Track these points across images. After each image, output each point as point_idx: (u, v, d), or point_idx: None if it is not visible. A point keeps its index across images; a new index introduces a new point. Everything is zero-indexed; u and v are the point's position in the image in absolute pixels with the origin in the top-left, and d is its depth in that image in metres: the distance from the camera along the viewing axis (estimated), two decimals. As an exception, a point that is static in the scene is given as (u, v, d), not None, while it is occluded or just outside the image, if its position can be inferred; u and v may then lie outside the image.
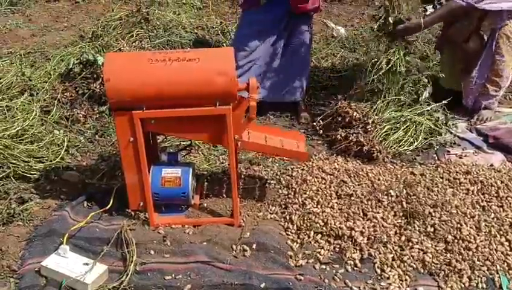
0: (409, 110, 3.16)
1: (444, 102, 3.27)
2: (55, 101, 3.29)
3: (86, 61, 3.50)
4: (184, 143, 3.06)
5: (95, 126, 3.30)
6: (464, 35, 3.32)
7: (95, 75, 3.45)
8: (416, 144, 3.05)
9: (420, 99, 3.19)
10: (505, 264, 2.24)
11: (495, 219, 2.46)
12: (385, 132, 3.08)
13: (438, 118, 3.23)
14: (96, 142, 3.19)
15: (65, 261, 2.20)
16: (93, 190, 2.69)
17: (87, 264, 2.18)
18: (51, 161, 2.89)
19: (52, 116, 3.22)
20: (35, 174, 2.81)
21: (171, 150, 2.90)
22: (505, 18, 3.18)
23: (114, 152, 3.06)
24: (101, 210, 2.47)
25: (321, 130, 3.26)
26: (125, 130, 2.26)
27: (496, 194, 2.62)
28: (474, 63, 3.31)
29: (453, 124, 3.31)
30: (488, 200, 2.59)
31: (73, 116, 3.29)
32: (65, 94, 3.37)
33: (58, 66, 3.65)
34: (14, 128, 2.91)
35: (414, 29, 3.21)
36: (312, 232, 2.40)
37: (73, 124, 3.26)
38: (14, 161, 2.78)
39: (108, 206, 2.45)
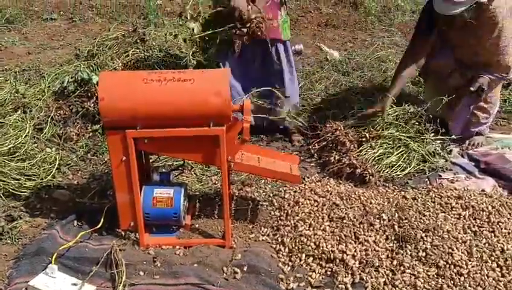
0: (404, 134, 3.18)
1: (442, 137, 3.26)
2: (49, 119, 3.28)
3: (81, 79, 3.50)
4: (177, 163, 3.05)
5: (87, 144, 3.29)
6: (445, 71, 3.33)
7: (89, 94, 3.45)
8: (408, 169, 3.06)
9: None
10: (497, 290, 2.23)
11: (486, 244, 2.46)
12: (378, 155, 3.09)
13: (436, 148, 3.23)
14: (89, 161, 3.18)
15: (53, 281, 2.16)
16: (84, 209, 2.66)
17: (75, 284, 2.15)
18: (42, 179, 2.87)
19: (45, 133, 3.22)
20: (25, 192, 2.78)
21: (164, 170, 2.89)
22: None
23: (106, 171, 3.04)
24: (91, 230, 2.45)
25: (315, 154, 3.27)
26: (118, 149, 2.26)
27: (487, 220, 2.62)
28: (458, 99, 3.27)
29: (447, 151, 3.31)
30: (480, 225, 2.59)
31: (66, 134, 3.28)
32: (58, 112, 3.37)
33: (52, 84, 3.65)
34: (6, 146, 2.89)
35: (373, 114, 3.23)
36: (304, 255, 2.38)
37: (65, 142, 3.25)
38: (4, 179, 2.76)
39: (99, 225, 2.42)
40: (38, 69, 4.07)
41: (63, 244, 2.35)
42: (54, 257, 2.25)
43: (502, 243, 2.46)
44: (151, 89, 2.18)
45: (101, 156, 3.21)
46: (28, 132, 3.08)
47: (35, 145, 3.08)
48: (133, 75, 2.35)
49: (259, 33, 2.96)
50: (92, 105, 3.39)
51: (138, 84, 2.20)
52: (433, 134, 3.24)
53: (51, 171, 2.92)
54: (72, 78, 3.54)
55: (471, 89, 3.11)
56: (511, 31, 2.97)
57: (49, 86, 3.62)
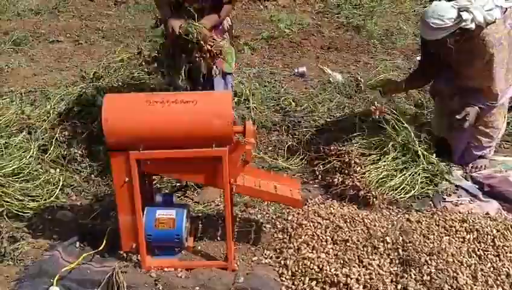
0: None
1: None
2: (53, 140, 3.30)
3: (86, 101, 3.54)
4: (179, 184, 3.05)
5: (91, 166, 3.29)
6: (447, 93, 3.33)
7: (94, 115, 3.47)
8: (413, 192, 3.05)
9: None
10: (503, 315, 2.20)
11: (491, 268, 2.43)
12: (381, 178, 3.08)
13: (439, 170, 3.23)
14: (92, 182, 3.18)
15: (54, 304, 2.15)
16: (86, 230, 2.66)
17: (76, 307, 2.13)
18: (45, 199, 2.87)
19: (49, 154, 3.23)
20: (28, 213, 2.79)
21: (166, 191, 2.89)
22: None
23: (109, 192, 3.05)
24: (94, 251, 2.44)
25: (320, 175, 3.26)
26: (121, 171, 2.27)
27: (492, 243, 2.60)
28: (454, 121, 3.23)
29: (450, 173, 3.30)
30: (485, 249, 2.57)
31: (70, 155, 3.29)
32: (63, 133, 3.39)
33: (57, 106, 3.68)
34: (11, 167, 2.91)
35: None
36: (307, 279, 2.36)
37: (69, 163, 3.26)
38: (8, 199, 2.77)
39: (101, 247, 2.41)
40: (44, 91, 4.11)
41: (65, 265, 2.35)
42: (55, 278, 2.24)
43: (507, 268, 2.43)
44: (155, 110, 2.21)
45: (104, 178, 3.22)
46: (33, 153, 3.10)
47: (40, 166, 3.09)
48: (137, 97, 2.37)
49: (218, 54, 2.82)
50: (96, 126, 3.41)
51: (142, 105, 2.22)
52: (434, 155, 3.24)
53: (55, 192, 2.93)
54: (76, 99, 3.58)
55: (457, 117, 3.13)
56: (500, 59, 3.01)
57: (54, 108, 3.65)
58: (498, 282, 2.35)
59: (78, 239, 2.57)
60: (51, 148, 3.26)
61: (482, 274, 2.37)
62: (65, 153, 3.29)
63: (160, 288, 2.27)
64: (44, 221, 2.76)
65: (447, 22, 2.84)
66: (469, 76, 3.13)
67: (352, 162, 3.15)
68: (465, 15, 2.82)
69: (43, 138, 3.31)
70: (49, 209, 2.84)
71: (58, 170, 3.15)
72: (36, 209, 2.81)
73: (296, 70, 4.73)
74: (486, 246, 2.58)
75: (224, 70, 3.02)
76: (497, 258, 2.50)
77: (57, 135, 3.34)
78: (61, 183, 3.00)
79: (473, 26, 2.85)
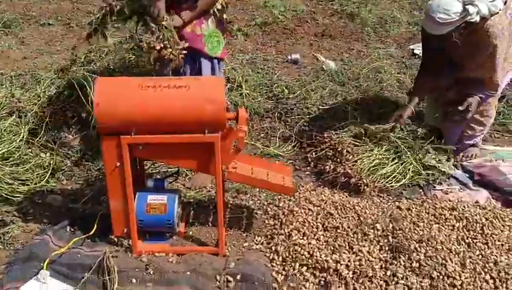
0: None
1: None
2: (43, 124, 3.27)
3: (77, 85, 3.49)
4: (171, 169, 3.04)
5: (82, 150, 3.27)
6: (446, 84, 3.33)
7: (84, 99, 3.44)
8: (404, 181, 3.07)
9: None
10: (490, 302, 2.23)
11: (480, 256, 2.46)
12: (373, 165, 3.09)
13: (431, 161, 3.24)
14: (82, 167, 3.16)
15: (44, 288, 2.15)
16: (77, 215, 2.65)
17: (66, 291, 2.13)
18: (35, 183, 2.86)
19: (39, 138, 3.20)
20: (18, 197, 2.77)
21: (158, 177, 2.88)
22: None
23: (100, 177, 3.03)
24: (84, 236, 2.43)
25: (312, 162, 3.27)
26: (112, 155, 2.25)
27: (480, 231, 2.63)
28: (453, 111, 3.25)
29: (443, 163, 3.31)
30: (473, 237, 2.60)
31: (60, 139, 3.26)
32: (54, 117, 3.35)
33: (48, 89, 3.64)
34: (0, 150, 2.88)
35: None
36: (297, 265, 2.37)
37: (60, 147, 3.24)
38: (-2, 183, 2.75)
39: (92, 232, 2.41)
40: (35, 74, 4.06)
41: (56, 250, 2.34)
42: (46, 262, 2.23)
43: (495, 255, 2.46)
44: (147, 95, 2.19)
45: (95, 162, 3.20)
46: (23, 137, 3.07)
47: (30, 150, 3.07)
48: (129, 81, 2.35)
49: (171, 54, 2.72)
50: (88, 110, 3.37)
51: (134, 90, 2.20)
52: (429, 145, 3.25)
53: (45, 177, 2.91)
54: (67, 83, 3.53)
55: (460, 108, 3.14)
56: (502, 50, 3.01)
57: (44, 91, 3.61)
58: (486, 269, 2.38)
59: (68, 223, 2.56)
60: (41, 132, 3.23)
61: (470, 261, 2.40)
62: (55, 137, 3.27)
63: (151, 273, 2.27)
64: (34, 205, 2.75)
65: (453, 17, 2.81)
66: (471, 68, 3.13)
67: (345, 150, 3.15)
68: (471, 9, 2.80)
69: (33, 122, 3.27)
70: (39, 194, 2.82)
71: (48, 154, 3.13)
72: (26, 194, 2.79)
73: (289, 57, 4.72)
74: (475, 234, 2.61)
75: (207, 52, 2.95)
76: (486, 246, 2.53)
77: (47, 119, 3.31)
78: (51, 168, 2.97)
79: (477, 19, 2.84)
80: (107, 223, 2.42)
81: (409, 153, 3.16)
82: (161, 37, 2.71)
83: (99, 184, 2.94)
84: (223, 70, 3.23)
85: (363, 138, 3.24)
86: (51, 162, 3.02)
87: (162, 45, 2.70)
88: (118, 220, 2.38)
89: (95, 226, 2.42)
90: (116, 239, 2.45)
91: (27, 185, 2.84)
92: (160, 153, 2.32)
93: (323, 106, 3.89)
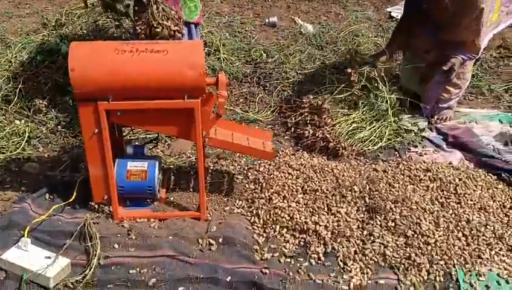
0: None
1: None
2: (17, 91, 3.18)
3: (49, 49, 3.40)
4: (151, 136, 3.02)
5: (57, 117, 3.21)
6: (423, 47, 3.38)
7: (58, 65, 3.35)
8: (380, 144, 3.12)
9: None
10: (462, 258, 2.33)
11: (453, 215, 2.55)
12: (351, 130, 3.13)
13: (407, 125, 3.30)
14: (59, 133, 3.11)
15: (26, 255, 2.14)
16: (55, 182, 2.62)
17: (49, 257, 2.14)
18: (11, 151, 2.81)
19: (13, 105, 3.12)
20: (-6, 165, 2.72)
21: (137, 143, 2.86)
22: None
23: (77, 144, 2.99)
24: (64, 203, 2.42)
25: (292, 127, 3.29)
26: (90, 122, 2.22)
27: (454, 191, 2.71)
28: (431, 74, 3.34)
29: (419, 127, 3.38)
30: (447, 196, 2.69)
31: (35, 106, 3.19)
32: (27, 83, 3.26)
33: (19, 55, 3.53)
34: (-27, 118, 2.81)
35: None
36: (278, 227, 2.42)
37: (35, 114, 3.17)
38: (-28, 151, 2.69)
39: (72, 199, 2.40)
40: (4, 39, 3.92)
41: (35, 217, 2.33)
42: (26, 230, 2.22)
43: (467, 214, 2.56)
44: (124, 59, 2.14)
45: (71, 129, 3.15)
46: (-5, 104, 2.99)
47: (4, 117, 3.00)
48: (105, 46, 2.29)
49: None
50: (62, 76, 3.29)
51: (110, 54, 2.15)
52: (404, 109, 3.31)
53: (21, 144, 2.86)
54: (40, 48, 3.43)
55: (444, 68, 3.20)
56: (487, 14, 3.07)
57: (15, 57, 3.50)
58: (459, 227, 2.47)
59: (47, 191, 2.54)
60: (15, 99, 3.15)
61: (444, 220, 2.49)
62: (30, 104, 3.19)
63: (134, 238, 2.29)
64: (11, 173, 2.71)
65: None
66: (456, 31, 3.17)
67: (323, 116, 3.17)
68: None
69: (6, 88, 3.18)
70: (15, 162, 2.78)
71: (23, 121, 3.06)
72: (2, 162, 2.75)
73: (267, 20, 4.65)
74: (448, 194, 2.70)
75: (184, 19, 2.86)
76: (459, 205, 2.62)
77: (20, 86, 3.22)
78: (27, 135, 2.92)
79: None
80: (87, 190, 2.41)
81: (385, 116, 3.21)
82: (156, 13, 2.58)
83: (76, 151, 2.91)
84: (199, 34, 3.17)
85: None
86: (26, 129, 2.96)
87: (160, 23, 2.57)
88: (97, 187, 2.37)
89: (75, 193, 2.41)
90: (96, 206, 2.45)
91: (3, 153, 2.79)
92: (139, 119, 2.30)
93: (302, 70, 3.89)
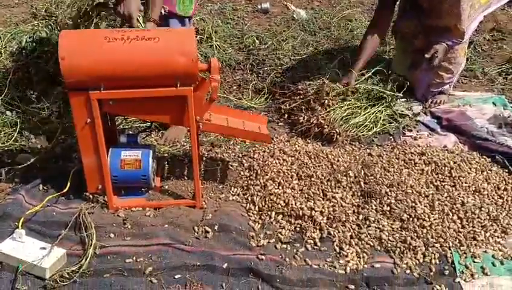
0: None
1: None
2: (7, 81, 3.14)
3: (39, 39, 3.35)
4: (144, 125, 3.00)
5: (49, 107, 3.18)
6: (411, 32, 3.37)
7: (48, 54, 3.31)
8: (375, 129, 3.12)
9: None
10: (457, 240, 2.34)
11: (448, 197, 2.56)
12: (346, 115, 3.12)
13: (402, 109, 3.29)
14: (51, 124, 3.08)
15: (21, 246, 2.13)
16: (49, 173, 2.60)
17: (44, 248, 2.13)
18: (3, 143, 2.78)
19: (4, 96, 3.09)
20: (-14, 157, 2.70)
21: (131, 132, 2.84)
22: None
23: (70, 133, 2.96)
24: (58, 193, 2.41)
25: (286, 113, 3.27)
26: (82, 111, 2.20)
27: (448, 174, 2.72)
28: (421, 59, 3.31)
29: (413, 112, 3.37)
30: (442, 180, 2.69)
31: (26, 96, 3.15)
32: (17, 74, 3.22)
33: (9, 45, 3.48)
34: (-37, 109, 2.78)
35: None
36: (273, 213, 2.43)
37: (26, 105, 3.14)
38: (-36, 143, 2.66)
39: (66, 189, 2.38)
40: (-7, 29, 3.86)
41: (29, 208, 2.31)
42: (21, 221, 2.21)
43: (462, 197, 2.57)
44: (114, 47, 2.11)
45: (63, 119, 3.12)
46: (-15, 95, 2.95)
47: (-6, 108, 2.96)
48: (95, 34, 2.26)
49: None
50: (53, 65, 3.25)
51: (100, 42, 2.12)
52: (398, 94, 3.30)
53: (13, 135, 2.83)
54: (30, 37, 3.38)
55: (426, 55, 3.18)
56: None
57: (5, 47, 3.45)
58: (453, 210, 2.48)
59: (40, 182, 2.52)
60: (5, 90, 3.11)
61: (438, 203, 2.50)
62: (21, 94, 3.15)
63: (129, 227, 2.29)
64: (4, 164, 2.68)
65: None
66: (438, 16, 3.15)
67: (317, 102, 3.16)
68: None
69: (-4, 79, 3.15)
70: (8, 153, 2.75)
71: (14, 112, 3.03)
72: (-6, 153, 2.72)
73: (259, 6, 4.61)
74: (443, 177, 2.71)
75: (177, 12, 2.84)
76: (453, 188, 2.63)
77: (10, 76, 3.18)
78: (19, 126, 2.89)
79: None
80: (81, 180, 2.39)
81: (379, 102, 3.20)
82: None
83: (69, 141, 2.88)
84: (192, 23, 3.14)
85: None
86: (18, 120, 2.93)
87: None
88: (91, 177, 2.36)
89: (69, 183, 2.39)
90: (91, 196, 2.43)
91: (-6, 144, 2.76)
92: (132, 108, 2.27)
93: (295, 57, 3.86)
